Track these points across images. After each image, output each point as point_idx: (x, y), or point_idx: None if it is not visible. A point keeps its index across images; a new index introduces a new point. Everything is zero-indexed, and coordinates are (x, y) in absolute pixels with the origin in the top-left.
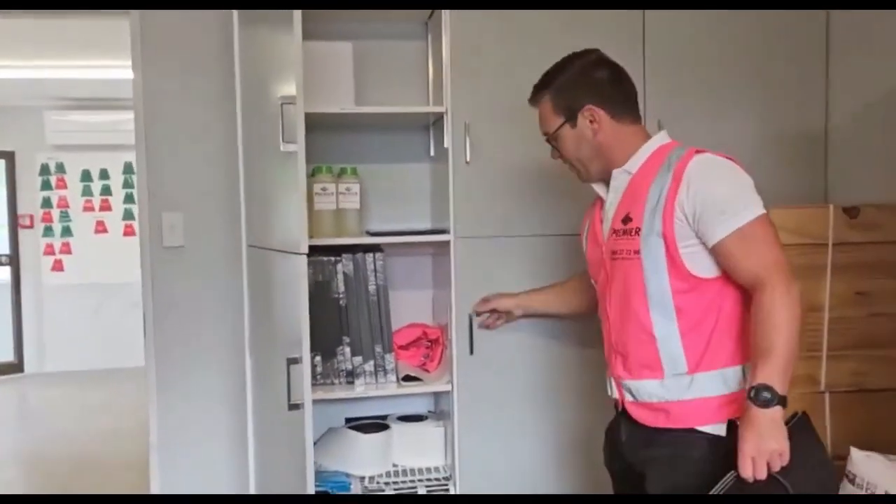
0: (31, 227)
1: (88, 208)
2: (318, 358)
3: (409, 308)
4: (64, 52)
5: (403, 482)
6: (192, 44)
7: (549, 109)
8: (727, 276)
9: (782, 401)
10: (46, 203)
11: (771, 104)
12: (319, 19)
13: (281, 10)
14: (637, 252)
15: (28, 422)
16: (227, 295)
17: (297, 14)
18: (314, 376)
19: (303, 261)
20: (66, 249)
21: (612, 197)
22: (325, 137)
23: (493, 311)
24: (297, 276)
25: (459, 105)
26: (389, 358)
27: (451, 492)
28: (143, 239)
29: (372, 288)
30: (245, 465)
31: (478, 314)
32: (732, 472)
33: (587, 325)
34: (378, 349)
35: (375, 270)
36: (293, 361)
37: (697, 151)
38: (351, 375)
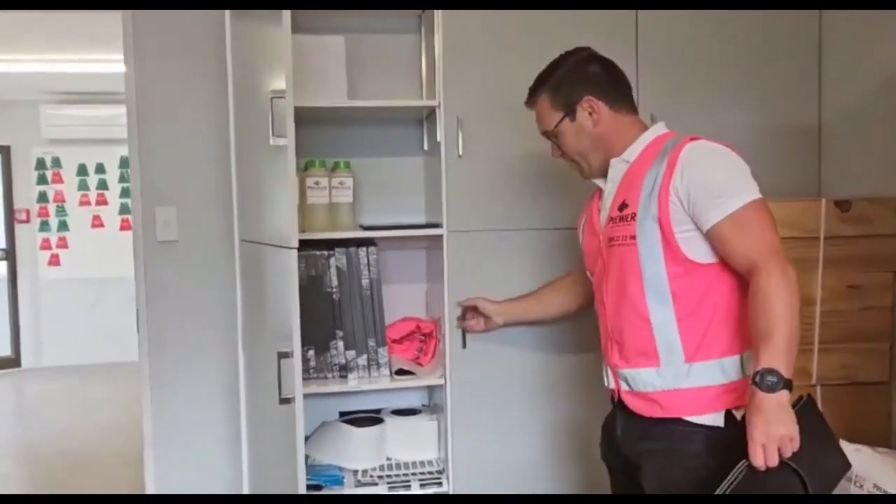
0: (28, 221)
1: (85, 203)
2: (311, 352)
3: (402, 302)
4: (60, 45)
5: (397, 476)
6: (184, 37)
7: (547, 107)
8: (724, 262)
9: (788, 384)
10: (42, 198)
11: (765, 99)
12: (311, 13)
13: (270, 9)
14: (633, 237)
15: (25, 416)
16: (220, 289)
17: (287, 11)
18: (307, 370)
19: (293, 255)
20: (63, 244)
21: (610, 186)
22: (318, 131)
23: (474, 308)
24: (287, 270)
25: (452, 99)
26: (383, 352)
27: (444, 485)
28: (136, 233)
29: (365, 282)
30: (238, 459)
31: (460, 309)
32: (744, 461)
33: (581, 319)
34: (371, 343)
35: (369, 264)
36: (284, 355)
37: (693, 139)
38: (344, 369)
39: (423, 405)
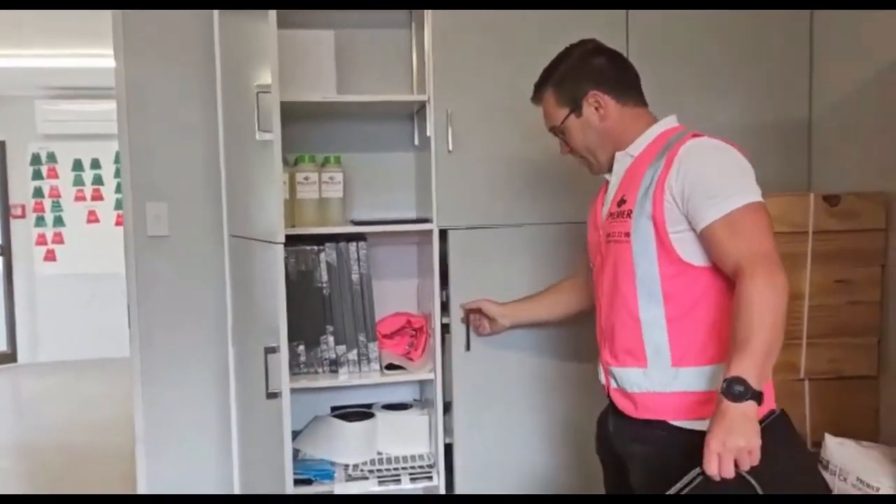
0: (23, 216)
1: (80, 198)
2: (301, 347)
3: (393, 297)
4: (55, 41)
5: (387, 470)
6: (173, 33)
7: (553, 103)
8: (718, 267)
9: (756, 396)
10: (38, 193)
11: (755, 94)
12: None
13: (258, 9)
14: (627, 235)
15: (21, 412)
16: (211, 285)
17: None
18: (298, 365)
19: (280, 250)
20: (59, 239)
21: (614, 180)
22: (308, 126)
23: (478, 311)
24: (274, 265)
25: (442, 94)
26: (373, 347)
27: (434, 479)
28: (127, 229)
29: (355, 277)
30: (229, 454)
31: (463, 311)
32: (698, 468)
33: (582, 324)
34: (361, 338)
35: (359, 259)
36: (271, 350)
37: (695, 135)
38: (335, 364)
39: (415, 400)
